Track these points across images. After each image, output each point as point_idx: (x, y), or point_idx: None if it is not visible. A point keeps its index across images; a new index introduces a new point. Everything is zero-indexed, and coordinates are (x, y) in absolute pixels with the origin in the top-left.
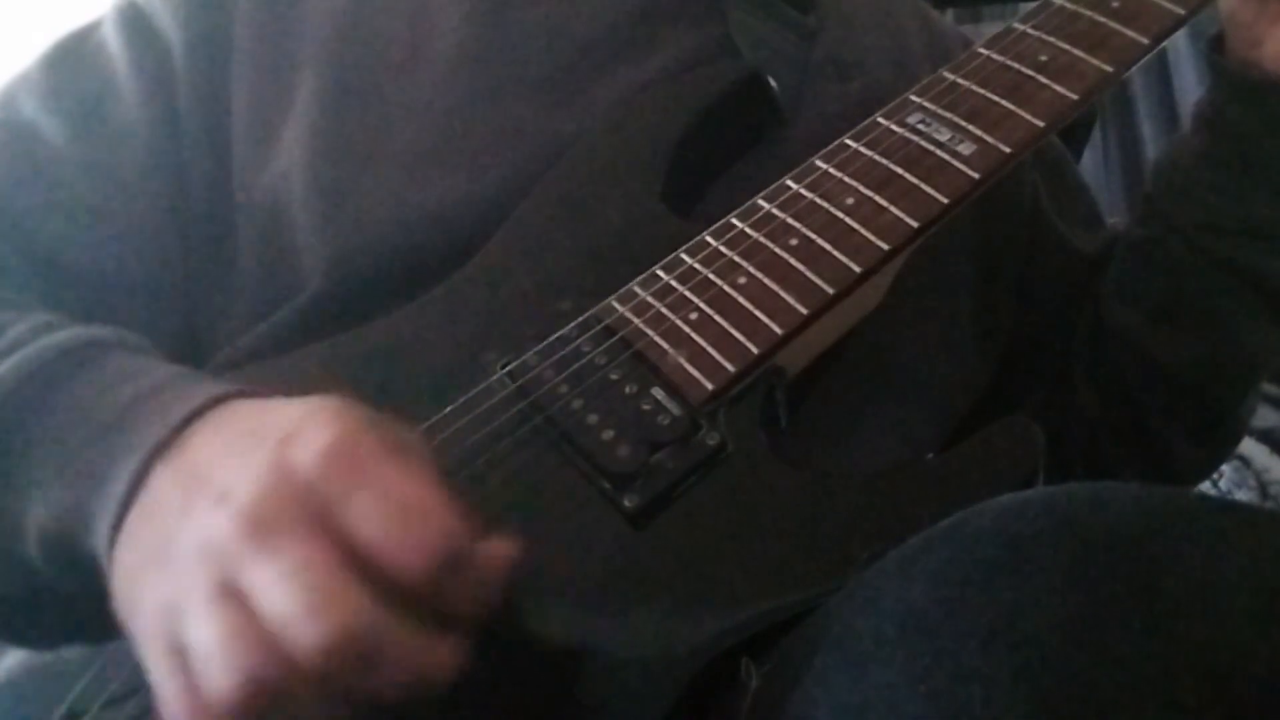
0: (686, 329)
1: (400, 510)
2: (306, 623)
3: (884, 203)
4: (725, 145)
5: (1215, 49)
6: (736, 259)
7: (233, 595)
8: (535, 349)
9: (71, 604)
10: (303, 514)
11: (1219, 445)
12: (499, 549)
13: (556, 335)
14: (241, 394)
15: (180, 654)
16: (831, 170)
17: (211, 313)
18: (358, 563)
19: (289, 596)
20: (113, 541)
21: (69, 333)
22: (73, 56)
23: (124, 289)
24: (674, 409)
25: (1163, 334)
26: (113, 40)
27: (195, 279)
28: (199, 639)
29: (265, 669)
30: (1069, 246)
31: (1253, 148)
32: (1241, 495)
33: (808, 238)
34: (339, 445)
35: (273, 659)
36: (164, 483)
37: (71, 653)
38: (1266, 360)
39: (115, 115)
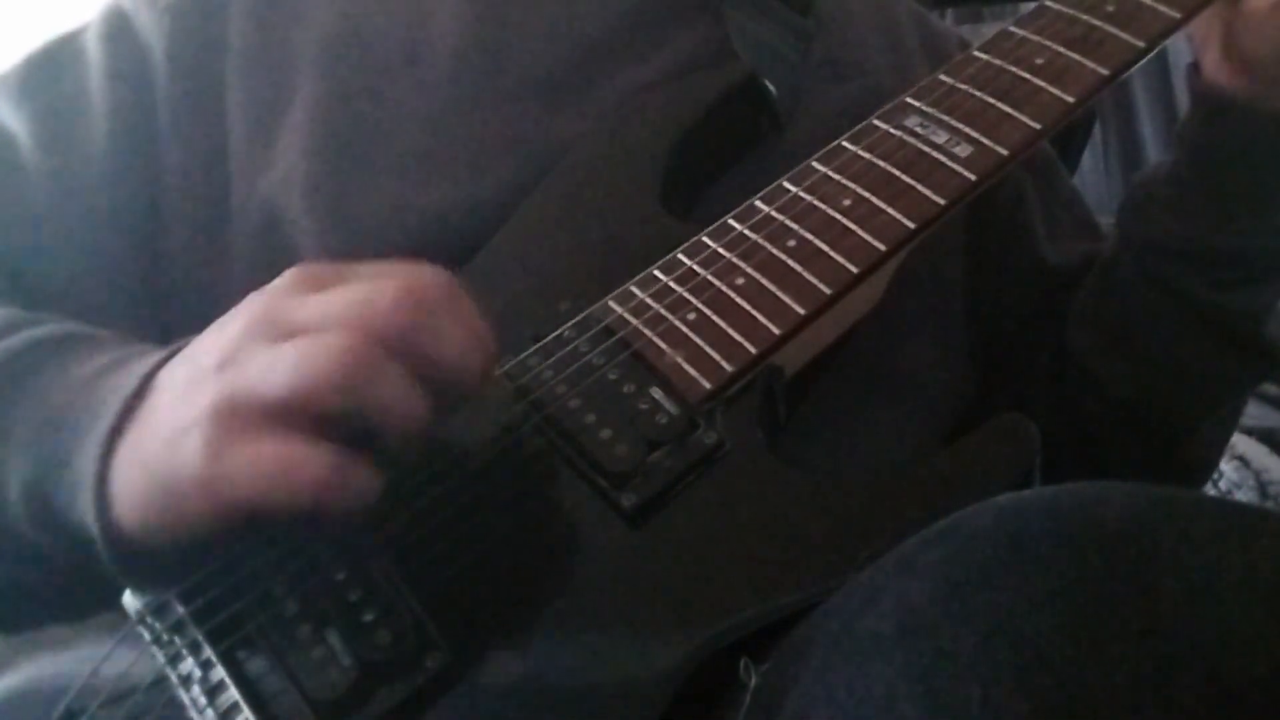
0: (684, 329)
1: (386, 270)
2: (372, 297)
3: (881, 204)
4: (722, 148)
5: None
6: (734, 260)
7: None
8: (533, 349)
9: (55, 576)
10: (304, 285)
11: (1177, 478)
12: None
13: (554, 335)
14: None
15: (267, 420)
16: (829, 172)
17: (203, 321)
18: None
19: (345, 296)
20: (103, 467)
21: (45, 329)
22: (51, 63)
23: (88, 302)
24: (672, 408)
25: (1112, 359)
26: (92, 46)
27: (182, 286)
28: (287, 361)
29: (360, 344)
30: (1037, 256)
31: (1202, 167)
32: (1241, 495)
33: (805, 239)
34: (295, 268)
35: (356, 331)
36: (159, 381)
37: (69, 651)
38: (1216, 395)
39: (81, 125)
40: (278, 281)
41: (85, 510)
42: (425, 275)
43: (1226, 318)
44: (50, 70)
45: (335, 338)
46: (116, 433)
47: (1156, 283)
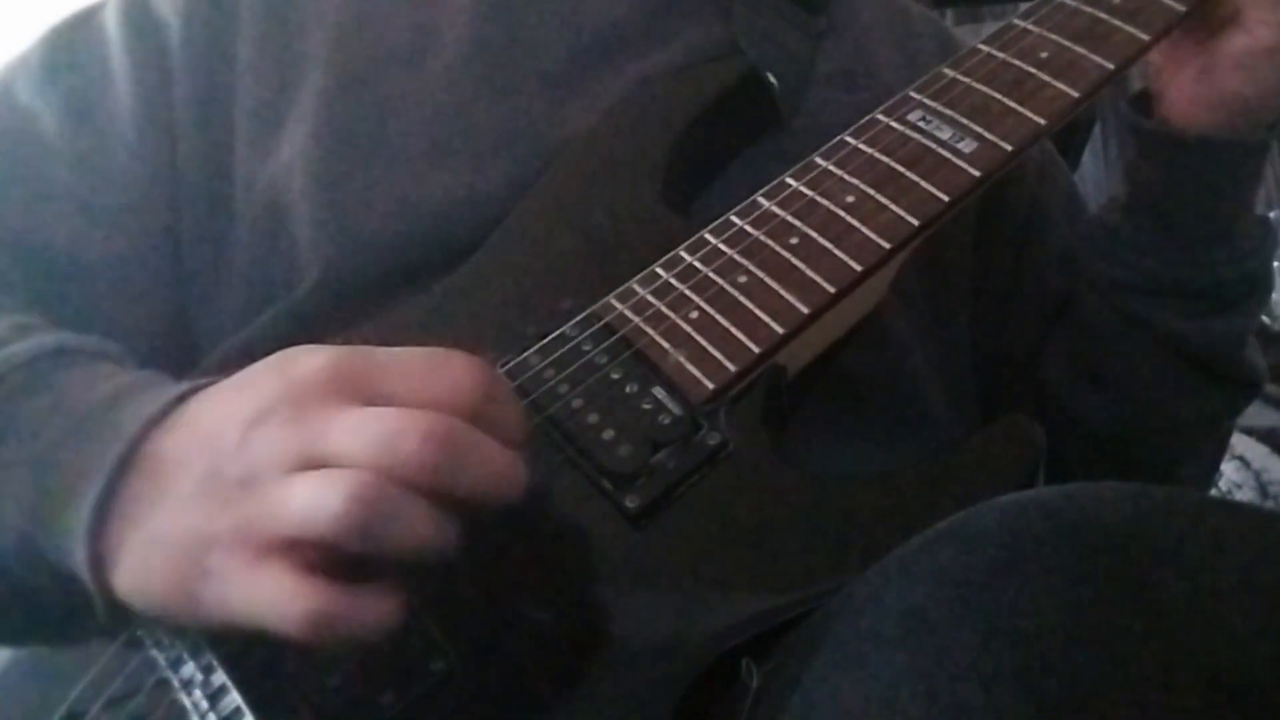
0: (687, 328)
1: (421, 365)
2: (398, 437)
3: (884, 201)
4: (725, 143)
5: (1139, 104)
6: (737, 257)
7: (312, 464)
8: (534, 347)
9: (39, 605)
10: (340, 388)
11: None
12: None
13: (556, 334)
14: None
15: (277, 550)
16: (831, 168)
17: (207, 304)
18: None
19: (375, 428)
20: (98, 526)
21: (39, 340)
22: (72, 41)
23: (111, 281)
24: (675, 408)
25: (1088, 395)
26: (112, 26)
27: (189, 271)
28: (299, 499)
29: (373, 486)
30: (1044, 277)
31: (1161, 203)
32: (1241, 495)
33: (808, 236)
34: (333, 356)
35: (377, 477)
36: (166, 448)
37: (70, 653)
38: (1195, 429)
39: (106, 105)
40: (311, 370)
41: (80, 570)
42: (462, 393)
43: (1202, 346)
44: (73, 51)
45: (354, 482)
46: (110, 494)
47: (1128, 318)
